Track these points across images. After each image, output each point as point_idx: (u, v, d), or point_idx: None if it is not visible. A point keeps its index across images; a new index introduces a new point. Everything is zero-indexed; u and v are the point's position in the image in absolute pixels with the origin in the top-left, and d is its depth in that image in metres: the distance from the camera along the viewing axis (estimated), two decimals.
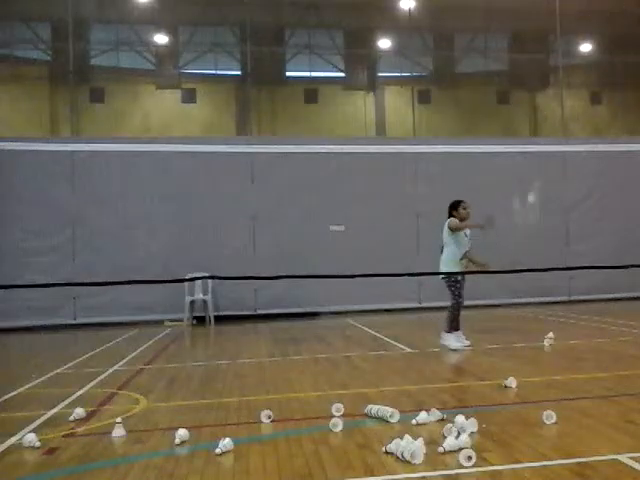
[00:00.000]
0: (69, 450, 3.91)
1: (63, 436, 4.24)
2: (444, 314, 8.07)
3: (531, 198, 14.93)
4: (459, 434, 3.67)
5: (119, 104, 20.61)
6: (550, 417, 4.05)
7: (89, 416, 4.77)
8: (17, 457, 3.82)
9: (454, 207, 8.18)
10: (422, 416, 4.18)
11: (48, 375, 6.91)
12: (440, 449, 3.49)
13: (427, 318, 13.16)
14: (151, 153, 13.36)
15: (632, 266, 6.21)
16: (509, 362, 6.90)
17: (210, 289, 13.13)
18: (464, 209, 8.14)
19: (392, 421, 4.23)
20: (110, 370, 7.16)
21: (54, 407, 5.14)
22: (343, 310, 13.72)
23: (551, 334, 8.10)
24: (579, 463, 3.27)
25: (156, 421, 4.63)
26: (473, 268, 8.35)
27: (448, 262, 8.00)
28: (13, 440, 4.14)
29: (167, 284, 12.67)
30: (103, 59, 20.70)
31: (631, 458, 3.29)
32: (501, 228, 14.14)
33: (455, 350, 7.76)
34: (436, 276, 13.72)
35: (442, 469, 3.26)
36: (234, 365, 7.30)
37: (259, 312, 13.69)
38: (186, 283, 12.73)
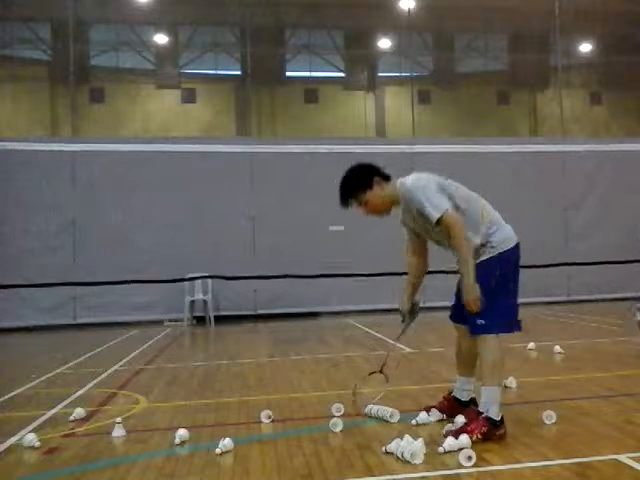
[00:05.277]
0: (69, 450, 3.90)
1: (63, 436, 4.23)
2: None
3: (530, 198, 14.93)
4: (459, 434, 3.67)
5: (119, 104, 20.62)
6: (550, 417, 4.05)
7: (89, 416, 4.77)
8: (17, 457, 3.82)
9: None
10: (422, 416, 4.18)
11: (48, 375, 6.91)
12: (440, 449, 3.48)
13: (427, 318, 13.17)
14: (151, 153, 13.39)
15: (630, 262, 6.21)
16: (509, 362, 6.88)
17: (210, 289, 13.12)
18: None
19: (392, 421, 4.23)
20: (110, 370, 7.15)
21: (54, 407, 5.14)
22: (343, 310, 13.71)
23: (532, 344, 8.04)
24: (579, 463, 3.27)
25: (156, 421, 4.62)
26: None
27: None
28: (13, 440, 4.14)
29: (167, 284, 12.67)
30: (103, 59, 20.72)
31: (631, 458, 3.28)
32: None
33: None
34: (435, 275, 13.76)
35: (442, 469, 3.26)
36: (234, 365, 7.30)
37: (259, 312, 13.69)
38: (186, 283, 12.72)
